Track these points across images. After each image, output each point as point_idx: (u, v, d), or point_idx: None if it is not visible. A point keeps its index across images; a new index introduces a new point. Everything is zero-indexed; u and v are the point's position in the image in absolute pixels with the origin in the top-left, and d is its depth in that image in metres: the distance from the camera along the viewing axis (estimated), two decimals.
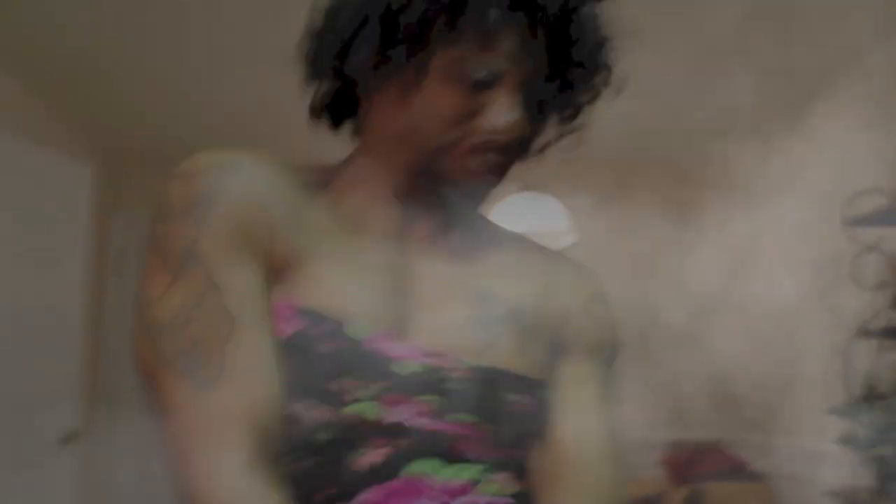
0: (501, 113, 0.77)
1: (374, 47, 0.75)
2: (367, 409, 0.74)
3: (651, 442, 4.07)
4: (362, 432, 0.74)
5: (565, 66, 0.80)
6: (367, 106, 0.82)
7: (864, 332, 2.73)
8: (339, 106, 0.85)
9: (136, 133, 3.92)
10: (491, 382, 0.78)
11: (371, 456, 0.74)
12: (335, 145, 0.89)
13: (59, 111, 3.58)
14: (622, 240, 4.18)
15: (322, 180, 0.84)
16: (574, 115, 0.85)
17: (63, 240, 3.09)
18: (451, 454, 0.76)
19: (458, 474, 0.76)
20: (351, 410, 0.73)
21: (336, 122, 0.87)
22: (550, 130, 0.85)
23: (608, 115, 0.89)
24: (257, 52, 2.95)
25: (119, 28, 2.83)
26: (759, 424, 3.81)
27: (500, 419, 0.79)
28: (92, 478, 3.61)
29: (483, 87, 0.76)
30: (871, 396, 2.63)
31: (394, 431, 0.74)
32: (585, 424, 0.85)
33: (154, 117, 3.71)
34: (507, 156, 0.80)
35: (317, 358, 0.73)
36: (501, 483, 0.79)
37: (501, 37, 0.75)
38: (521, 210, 3.02)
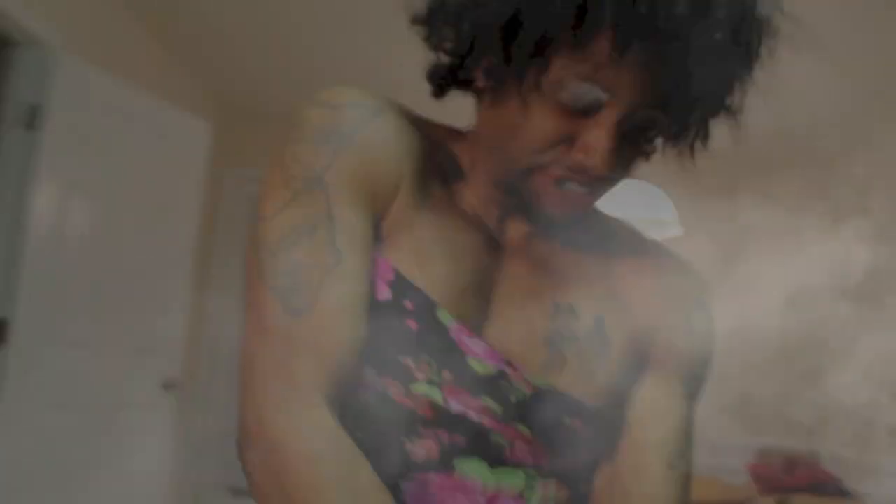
0: (592, 147, 0.70)
1: (490, 49, 0.71)
2: (433, 393, 0.74)
3: (742, 447, 3.97)
4: (423, 417, 0.74)
5: (682, 102, 0.72)
6: (481, 92, 0.79)
7: None
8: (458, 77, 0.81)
9: (254, 94, 4.02)
10: (550, 403, 0.76)
11: (426, 444, 0.74)
12: (452, 108, 0.86)
13: (186, 68, 3.70)
14: (726, 235, 4.07)
15: (446, 145, 0.83)
16: (687, 139, 0.76)
17: (178, 192, 3.20)
18: (502, 457, 0.76)
19: (505, 478, 0.76)
20: (418, 390, 0.73)
21: (457, 86, 0.82)
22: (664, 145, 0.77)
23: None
24: (379, 18, 2.99)
25: None
26: (858, 441, 3.67)
27: (555, 437, 0.78)
28: (189, 424, 3.74)
29: (582, 113, 0.70)
30: None
31: (454, 422, 0.74)
32: (651, 451, 0.81)
33: (272, 79, 3.80)
34: (590, 189, 0.74)
35: (404, 329, 0.73)
36: (547, 492, 0.78)
37: (613, 65, 0.67)
38: (625, 197, 2.97)
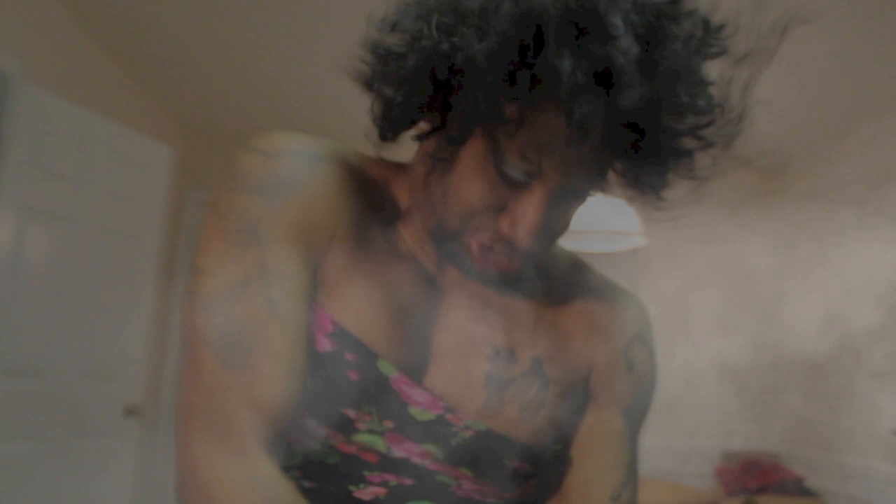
0: (519, 221, 0.69)
1: (421, 103, 0.70)
2: (375, 442, 0.74)
3: (705, 451, 4.03)
4: (368, 463, 0.74)
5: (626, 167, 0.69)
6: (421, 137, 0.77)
7: None
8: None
9: (215, 116, 3.98)
10: (492, 446, 0.77)
11: (374, 490, 0.75)
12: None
13: (147, 92, 3.65)
14: (694, 245, 4.14)
15: (386, 185, 0.81)
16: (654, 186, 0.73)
17: (140, 216, 3.14)
18: (450, 497, 0.77)
19: None
20: (360, 439, 0.73)
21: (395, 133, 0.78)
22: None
23: None
24: (339, 44, 2.99)
25: (206, 17, 2.88)
26: (820, 441, 3.75)
27: (499, 477, 0.78)
28: (150, 450, 3.67)
29: (514, 184, 0.69)
30: None
31: (398, 467, 0.75)
32: (595, 486, 0.81)
33: (232, 104, 3.77)
34: (519, 259, 0.73)
35: (345, 381, 0.72)
36: None
37: (546, 143, 0.66)
38: (591, 209, 3.00)
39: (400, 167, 0.83)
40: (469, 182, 0.70)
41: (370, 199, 0.79)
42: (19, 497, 2.56)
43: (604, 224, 3.11)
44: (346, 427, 0.73)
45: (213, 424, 0.67)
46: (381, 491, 0.75)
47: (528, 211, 0.69)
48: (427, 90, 0.67)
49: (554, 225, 0.73)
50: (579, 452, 0.82)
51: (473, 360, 0.78)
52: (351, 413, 0.73)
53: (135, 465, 3.18)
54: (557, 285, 0.84)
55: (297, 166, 0.73)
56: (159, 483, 3.80)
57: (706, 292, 4.18)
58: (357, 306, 0.74)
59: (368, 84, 0.73)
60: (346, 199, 0.76)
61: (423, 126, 0.73)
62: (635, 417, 0.84)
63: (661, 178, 0.70)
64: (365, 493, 0.75)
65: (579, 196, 0.72)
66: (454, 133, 0.68)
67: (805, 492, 3.64)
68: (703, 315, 4.16)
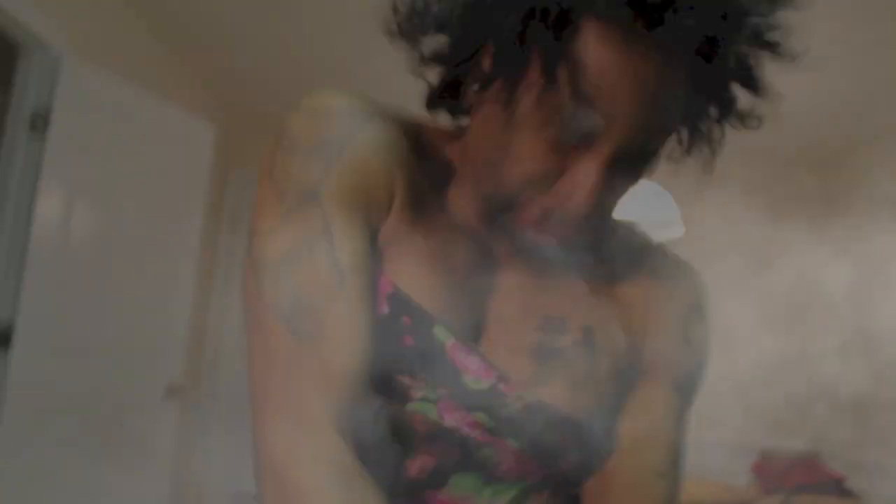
0: (582, 185, 0.66)
1: (475, 68, 0.69)
2: (428, 410, 0.72)
3: (745, 447, 3.97)
4: (418, 434, 0.73)
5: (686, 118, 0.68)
6: (472, 106, 0.76)
7: None
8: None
9: (258, 94, 4.01)
10: (540, 417, 0.75)
11: (421, 460, 0.74)
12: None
13: (191, 70, 3.69)
14: (732, 233, 4.08)
15: (437, 149, 0.80)
16: (701, 142, 0.73)
17: (183, 194, 3.18)
18: (494, 471, 0.75)
19: (498, 494, 0.75)
20: (414, 408, 0.72)
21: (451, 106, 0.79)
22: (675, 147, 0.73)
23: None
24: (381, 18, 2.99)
25: None
26: (863, 442, 3.69)
27: (545, 450, 0.76)
28: (193, 429, 3.72)
29: (573, 146, 0.66)
30: None
31: (446, 439, 0.73)
32: (641, 461, 0.78)
33: (277, 80, 3.79)
34: (575, 227, 0.70)
35: (401, 346, 0.71)
36: (543, 501, 0.78)
37: (611, 84, 0.63)
38: (627, 198, 2.97)
39: (453, 132, 0.81)
40: (524, 148, 0.67)
41: (423, 161, 0.77)
42: (63, 473, 2.61)
43: (643, 214, 3.08)
44: (401, 393, 0.72)
45: (287, 405, 0.65)
46: (427, 462, 0.74)
47: (587, 173, 0.66)
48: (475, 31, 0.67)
49: (613, 192, 0.70)
50: (627, 428, 0.79)
51: (525, 329, 0.76)
52: (406, 379, 0.72)
53: (175, 445, 3.23)
54: (614, 257, 0.82)
55: (351, 127, 0.71)
56: (199, 462, 3.85)
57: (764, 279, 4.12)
58: (413, 271, 0.73)
59: (407, 37, 0.72)
60: (401, 163, 0.74)
61: (471, 94, 0.72)
62: (686, 393, 0.82)
63: (718, 117, 0.70)
64: (411, 464, 0.74)
65: (639, 161, 0.69)
66: (509, 71, 0.66)
67: (845, 492, 3.58)
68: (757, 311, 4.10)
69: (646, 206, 3.08)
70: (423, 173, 0.76)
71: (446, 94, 0.76)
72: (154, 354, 3.06)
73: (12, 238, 2.53)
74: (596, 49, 0.62)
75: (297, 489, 0.63)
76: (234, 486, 3.77)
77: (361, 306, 0.68)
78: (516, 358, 0.75)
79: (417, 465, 0.74)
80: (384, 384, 0.71)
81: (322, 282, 0.67)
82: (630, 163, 0.68)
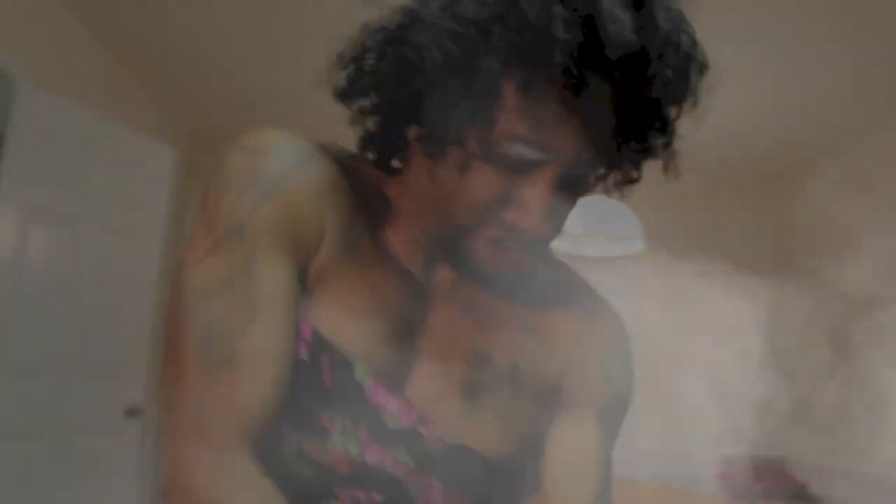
0: (530, 210, 0.69)
1: (410, 107, 0.71)
2: (349, 445, 0.74)
3: (708, 456, 4.01)
4: (340, 476, 0.74)
5: (634, 123, 0.69)
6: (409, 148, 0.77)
7: None
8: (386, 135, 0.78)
9: (219, 118, 4.00)
10: (462, 457, 0.77)
11: (346, 501, 0.75)
12: None
13: (151, 93, 3.68)
14: (691, 253, 4.13)
15: (377, 187, 0.81)
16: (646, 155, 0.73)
17: (143, 217, 3.16)
18: None
19: None
20: (336, 443, 0.74)
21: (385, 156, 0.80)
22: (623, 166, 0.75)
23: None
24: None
25: (210, 18, 2.90)
26: (826, 448, 3.73)
27: (468, 489, 0.78)
28: (152, 451, 3.68)
29: (520, 172, 0.68)
30: None
31: (369, 477, 0.75)
32: (568, 494, 0.80)
33: (237, 103, 3.79)
34: (527, 248, 0.73)
35: (320, 386, 0.73)
36: None
37: (553, 122, 0.65)
38: (589, 213, 3.00)
39: (389, 171, 0.82)
40: (474, 178, 0.69)
41: (360, 199, 0.78)
42: (20, 496, 2.58)
43: (605, 228, 3.11)
44: (321, 432, 0.73)
45: (195, 423, 0.67)
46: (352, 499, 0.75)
47: (536, 195, 0.68)
48: (407, 93, 0.69)
49: (560, 213, 0.73)
50: (552, 458, 0.81)
51: (454, 365, 0.78)
52: (325, 419, 0.73)
53: (136, 466, 3.19)
54: (543, 288, 0.84)
55: (284, 164, 0.73)
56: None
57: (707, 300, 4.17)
58: (339, 309, 0.74)
59: (345, 96, 0.75)
60: (334, 200, 0.75)
61: (413, 131, 0.74)
62: (609, 422, 0.84)
63: (645, 145, 0.71)
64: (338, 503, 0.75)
65: (582, 181, 0.72)
66: (448, 131, 0.68)
67: (809, 498, 3.62)
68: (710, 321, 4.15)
69: (606, 222, 3.11)
70: (359, 211, 0.77)
71: (382, 140, 0.78)
72: (113, 376, 3.03)
73: None
74: (520, 111, 0.65)
75: None
76: None
77: (276, 337, 0.70)
78: (445, 394, 0.77)
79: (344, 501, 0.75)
80: (305, 423, 0.73)
81: (235, 317, 0.69)
82: (570, 187, 0.72)
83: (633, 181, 0.75)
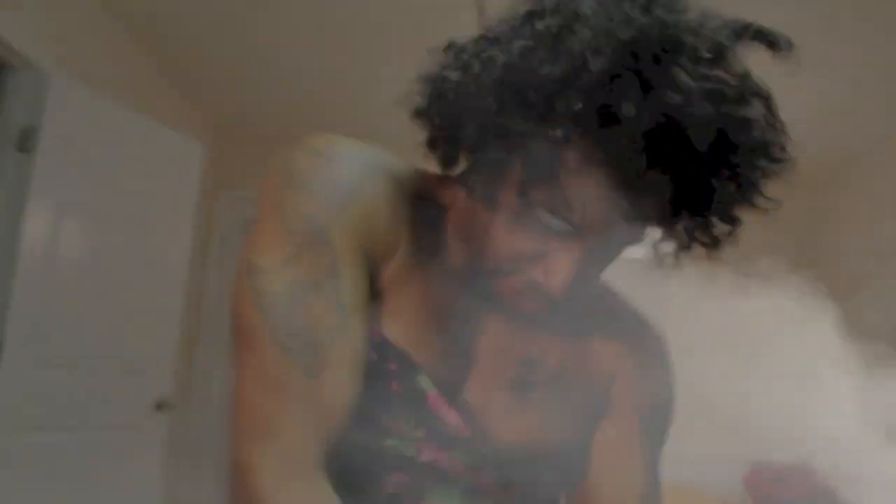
0: (556, 274, 0.69)
1: (467, 144, 0.70)
2: (405, 448, 0.75)
3: (734, 458, 3.96)
4: (396, 463, 0.76)
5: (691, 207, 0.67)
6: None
7: None
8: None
9: (247, 115, 4.04)
10: (514, 459, 0.79)
11: (397, 477, 0.76)
12: None
13: (180, 89, 3.73)
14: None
15: (434, 195, 0.81)
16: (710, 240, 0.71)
17: (172, 212, 3.21)
18: (471, 494, 0.79)
19: None
20: (391, 444, 0.75)
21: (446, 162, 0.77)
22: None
23: None
24: (374, 41, 3.01)
25: (242, 14, 2.94)
26: (854, 455, 3.67)
27: (520, 484, 0.80)
28: (180, 444, 3.73)
29: (554, 234, 0.68)
30: None
31: (423, 469, 0.77)
32: (615, 491, 0.83)
33: (266, 101, 3.83)
34: (549, 305, 0.73)
35: (385, 389, 0.74)
36: None
37: (589, 201, 0.64)
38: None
39: (444, 180, 0.82)
40: (507, 228, 0.69)
41: (422, 208, 0.79)
42: (49, 486, 2.62)
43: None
44: (380, 431, 0.75)
45: (278, 435, 0.67)
46: (406, 481, 0.77)
47: (563, 263, 0.68)
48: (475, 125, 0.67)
49: (588, 277, 0.73)
50: (597, 464, 0.84)
51: (506, 366, 0.81)
52: (386, 420, 0.75)
53: (162, 460, 3.23)
54: (591, 320, 0.85)
55: (362, 173, 0.74)
56: (187, 478, 3.85)
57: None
58: (405, 317, 0.76)
59: (421, 115, 0.73)
60: (403, 209, 0.76)
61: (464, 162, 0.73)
62: (655, 436, 0.87)
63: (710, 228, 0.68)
64: (387, 485, 0.76)
65: (617, 251, 0.72)
66: (494, 175, 0.68)
67: None
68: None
69: None
70: (423, 218, 0.78)
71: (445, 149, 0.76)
72: (143, 370, 3.07)
73: (1, 255, 2.55)
74: (577, 178, 0.64)
75: None
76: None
77: (359, 347, 0.71)
78: (495, 396, 0.80)
79: (393, 483, 0.76)
80: (366, 421, 0.74)
81: (327, 319, 0.69)
82: (609, 251, 0.71)
83: (686, 249, 0.72)
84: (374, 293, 0.75)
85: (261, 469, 0.66)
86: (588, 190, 0.64)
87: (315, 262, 0.69)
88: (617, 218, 0.65)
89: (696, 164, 0.61)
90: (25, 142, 2.57)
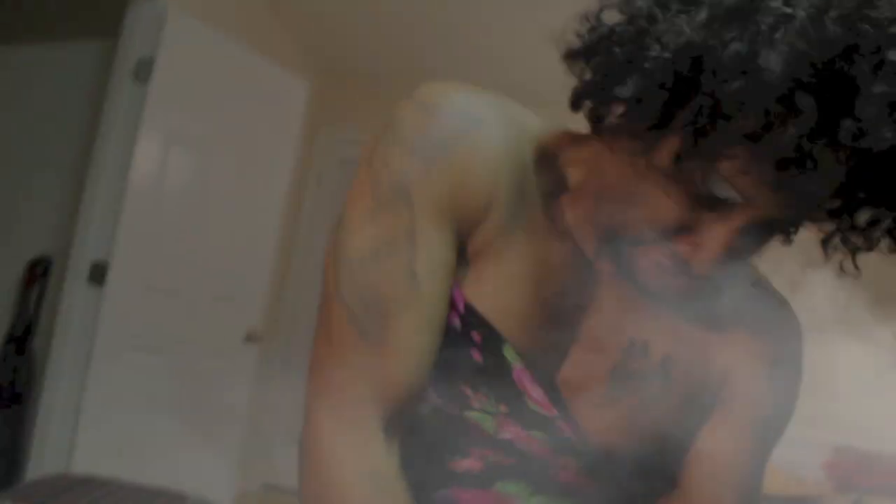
0: (705, 249, 0.62)
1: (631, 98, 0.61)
2: (485, 422, 0.72)
3: (818, 441, 3.89)
4: (474, 437, 0.73)
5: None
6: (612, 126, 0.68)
7: None
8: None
9: (350, 53, 4.04)
10: (600, 451, 0.74)
11: (471, 462, 0.74)
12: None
13: (287, 24, 3.75)
14: None
15: (559, 155, 0.75)
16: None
17: (274, 148, 3.25)
18: (544, 482, 0.75)
19: None
20: (472, 415, 0.72)
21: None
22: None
23: None
24: None
25: None
26: None
27: (600, 475, 0.75)
28: (267, 375, 3.84)
29: (708, 206, 0.62)
30: None
31: (503, 447, 0.73)
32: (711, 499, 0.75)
33: (369, 39, 3.81)
34: (691, 282, 0.66)
35: (468, 359, 0.71)
36: None
37: (758, 179, 0.58)
38: None
39: (577, 138, 0.76)
40: (656, 195, 0.63)
41: (535, 167, 0.72)
42: (145, 409, 2.73)
43: None
44: (461, 401, 0.72)
45: (340, 393, 0.66)
46: (476, 465, 0.74)
47: (717, 237, 0.62)
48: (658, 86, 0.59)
49: (739, 256, 0.66)
50: (695, 468, 0.76)
51: (609, 348, 0.74)
52: (468, 391, 0.72)
53: (249, 391, 3.34)
54: (715, 311, 0.76)
55: (457, 126, 0.68)
56: (272, 411, 3.98)
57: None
58: (499, 285, 0.71)
59: (577, 56, 0.65)
60: (507, 167, 0.69)
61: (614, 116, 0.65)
62: (765, 436, 0.78)
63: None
64: (460, 464, 0.74)
65: (777, 232, 0.65)
66: (651, 134, 0.61)
67: None
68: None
69: None
70: (531, 180, 0.72)
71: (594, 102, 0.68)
72: (236, 300, 3.16)
73: (111, 181, 2.65)
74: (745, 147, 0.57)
75: (331, 477, 0.65)
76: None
77: (431, 318, 0.68)
78: (591, 379, 0.74)
79: (466, 465, 0.75)
80: (447, 390, 0.72)
81: (396, 286, 0.66)
82: (769, 230, 0.65)
83: (860, 249, 0.65)
84: (467, 257, 0.70)
85: (317, 422, 0.67)
86: (754, 163, 0.57)
87: (393, 222, 0.67)
88: (782, 197, 0.59)
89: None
90: (141, 72, 2.64)
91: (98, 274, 2.61)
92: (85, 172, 2.72)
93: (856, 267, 0.65)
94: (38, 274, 2.93)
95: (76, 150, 2.89)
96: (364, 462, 0.66)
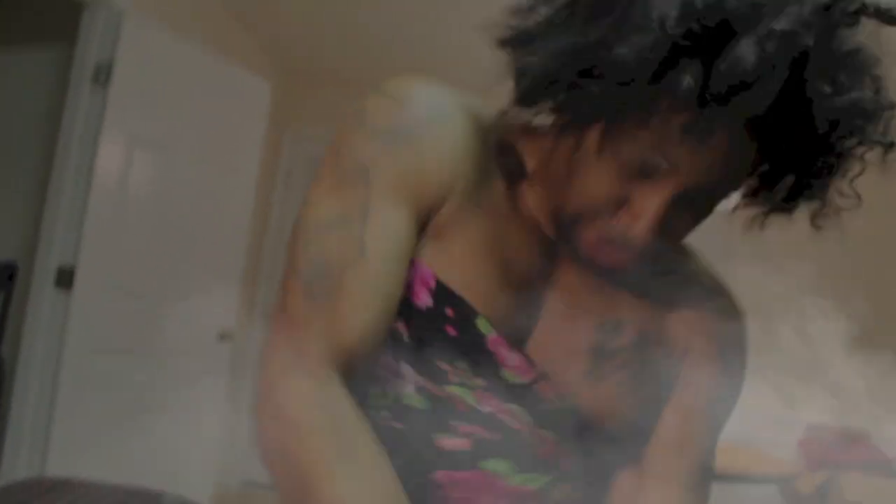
0: (641, 218, 0.68)
1: (559, 86, 0.68)
2: (465, 395, 0.75)
3: (791, 421, 3.93)
4: (458, 411, 0.75)
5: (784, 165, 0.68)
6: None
7: None
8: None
9: (313, 53, 4.05)
10: (578, 420, 0.78)
11: (456, 442, 0.76)
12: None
13: (247, 26, 3.75)
14: None
15: (514, 144, 0.80)
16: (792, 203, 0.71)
17: (238, 149, 3.26)
18: (529, 458, 0.77)
19: (529, 482, 0.78)
20: (452, 390, 0.75)
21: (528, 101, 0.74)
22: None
23: None
24: None
25: None
26: None
27: (578, 445, 0.79)
28: (241, 373, 3.86)
29: (640, 177, 0.67)
30: None
31: (486, 420, 0.76)
32: (674, 466, 0.81)
33: (333, 39, 3.82)
34: (632, 256, 0.71)
35: (442, 335, 0.74)
36: (568, 491, 0.80)
37: (683, 143, 0.64)
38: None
39: (528, 129, 0.80)
40: (592, 171, 0.69)
41: (495, 154, 0.78)
42: (121, 407, 2.74)
43: None
44: (439, 377, 0.75)
45: (289, 343, 0.69)
46: (464, 443, 0.77)
47: (651, 205, 0.67)
48: (570, 74, 0.66)
49: (676, 227, 0.72)
50: (664, 431, 0.82)
51: (580, 327, 0.79)
52: (444, 366, 0.75)
53: (225, 391, 3.35)
54: (671, 285, 0.83)
55: (422, 115, 0.73)
56: (249, 408, 3.98)
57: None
58: (465, 261, 0.75)
59: (507, 46, 0.71)
60: (469, 153, 0.75)
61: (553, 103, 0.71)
62: (717, 419, 0.84)
63: (804, 189, 0.69)
64: (448, 442, 0.76)
65: (708, 202, 0.71)
66: (585, 115, 0.68)
67: (894, 474, 3.51)
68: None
69: None
70: (492, 166, 0.77)
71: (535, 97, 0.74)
72: (208, 300, 3.17)
73: (75, 185, 2.66)
74: (669, 117, 0.64)
75: (288, 420, 0.67)
76: None
77: (381, 278, 0.70)
78: (569, 355, 0.78)
79: (453, 443, 0.76)
80: (426, 367, 0.75)
81: (347, 249, 0.70)
82: (700, 200, 0.70)
83: (784, 211, 0.72)
84: (431, 236, 0.74)
85: (272, 373, 0.69)
86: (680, 132, 0.63)
87: (351, 198, 0.71)
88: (708, 164, 0.65)
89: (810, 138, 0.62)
90: (100, 76, 2.65)
91: (65, 278, 2.63)
92: (48, 177, 2.72)
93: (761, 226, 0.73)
94: (5, 279, 2.94)
95: (39, 156, 2.89)
96: (320, 403, 0.67)
